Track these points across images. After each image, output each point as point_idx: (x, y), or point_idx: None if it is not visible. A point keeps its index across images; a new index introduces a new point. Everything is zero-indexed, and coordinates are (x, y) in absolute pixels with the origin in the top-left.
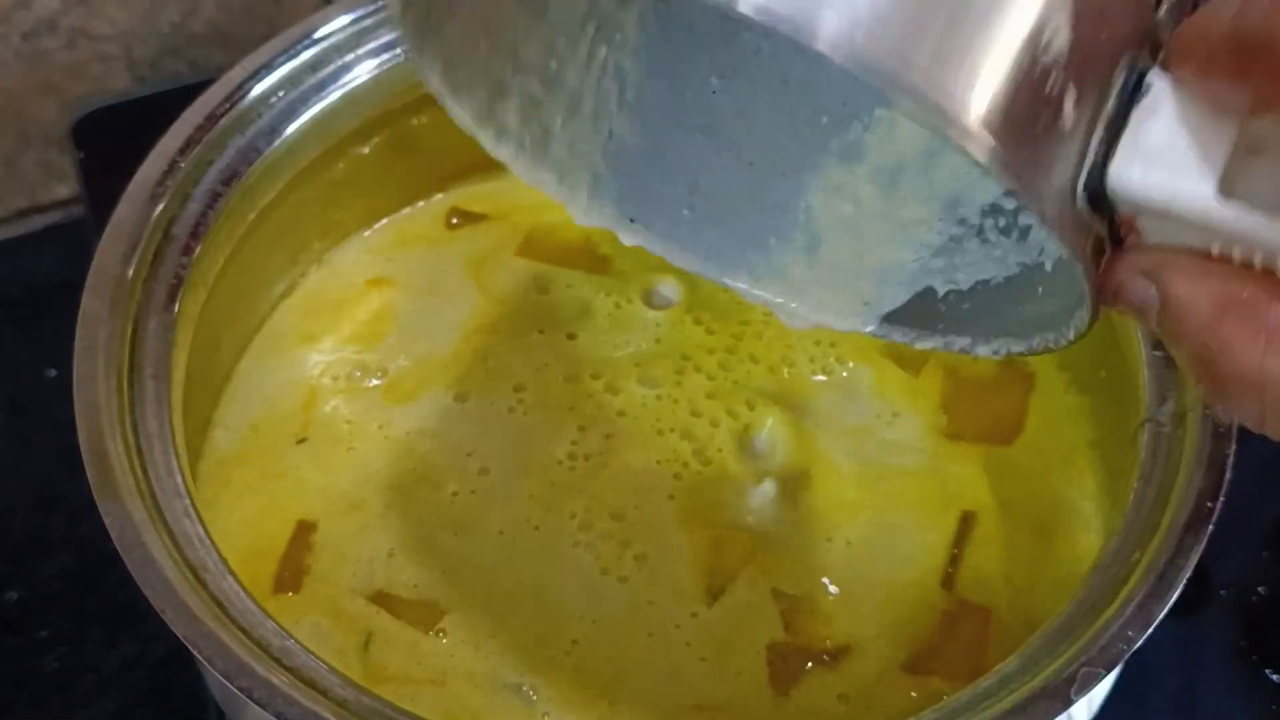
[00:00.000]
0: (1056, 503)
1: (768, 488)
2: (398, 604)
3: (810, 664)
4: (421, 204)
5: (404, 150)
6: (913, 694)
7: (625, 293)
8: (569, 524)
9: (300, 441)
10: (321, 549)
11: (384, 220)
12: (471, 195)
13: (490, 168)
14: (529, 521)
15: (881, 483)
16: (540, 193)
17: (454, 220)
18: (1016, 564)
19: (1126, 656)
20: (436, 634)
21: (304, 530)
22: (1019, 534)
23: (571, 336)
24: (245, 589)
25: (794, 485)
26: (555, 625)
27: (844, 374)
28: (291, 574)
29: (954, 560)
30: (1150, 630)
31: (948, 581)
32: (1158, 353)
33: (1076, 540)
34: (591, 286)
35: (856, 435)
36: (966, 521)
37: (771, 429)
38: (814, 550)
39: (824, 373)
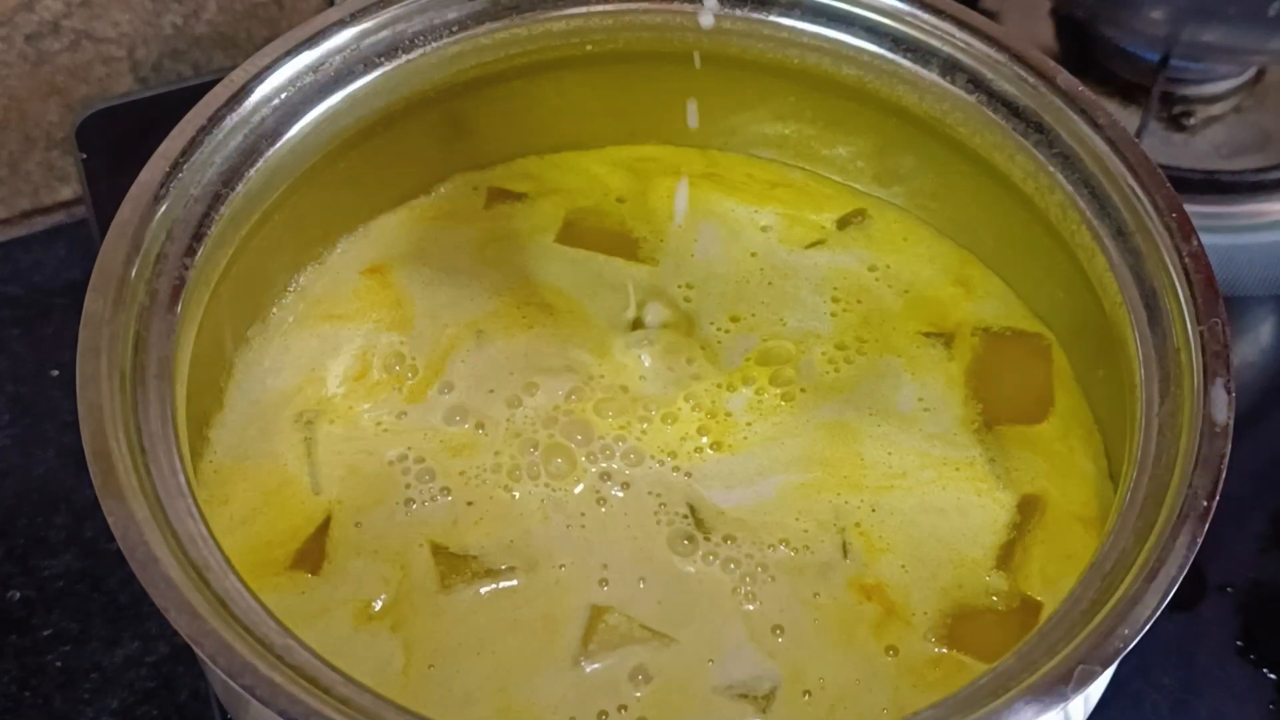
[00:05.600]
0: (1090, 485)
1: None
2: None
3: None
4: (416, 202)
5: (408, 150)
6: (949, 669)
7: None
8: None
9: (306, 439)
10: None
11: (382, 216)
12: (493, 180)
13: (495, 162)
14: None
15: (928, 470)
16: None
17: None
18: (1068, 555)
19: (1123, 654)
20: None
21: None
22: (1070, 523)
23: (582, 317)
24: (248, 586)
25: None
26: None
27: (877, 361)
28: (314, 551)
29: (1009, 545)
30: (1147, 628)
31: (1002, 564)
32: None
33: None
34: (622, 274)
35: (897, 423)
36: (1024, 506)
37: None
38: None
39: (857, 358)
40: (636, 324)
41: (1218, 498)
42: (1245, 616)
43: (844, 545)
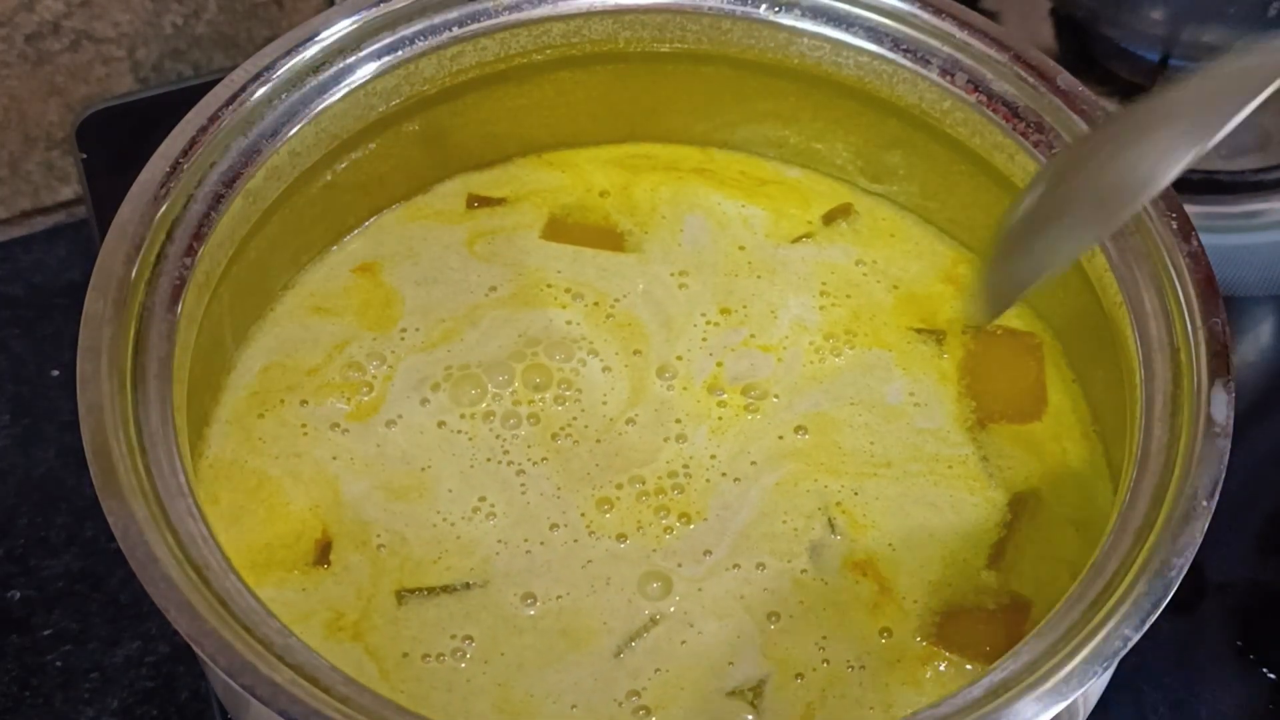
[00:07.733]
0: (1083, 487)
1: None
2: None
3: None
4: (414, 201)
5: (408, 149)
6: (939, 666)
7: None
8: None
9: (303, 434)
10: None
11: (382, 213)
12: (483, 184)
13: (495, 162)
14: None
15: (917, 463)
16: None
17: (470, 206)
18: (1059, 556)
19: (1123, 654)
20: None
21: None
22: (1061, 525)
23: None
24: (248, 586)
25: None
26: None
27: (866, 354)
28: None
29: (1001, 544)
30: (1146, 628)
31: (994, 563)
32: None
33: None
34: (609, 266)
35: (882, 414)
36: (1016, 505)
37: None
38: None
39: (845, 350)
40: None
41: (1218, 498)
42: (1245, 616)
43: (830, 523)
